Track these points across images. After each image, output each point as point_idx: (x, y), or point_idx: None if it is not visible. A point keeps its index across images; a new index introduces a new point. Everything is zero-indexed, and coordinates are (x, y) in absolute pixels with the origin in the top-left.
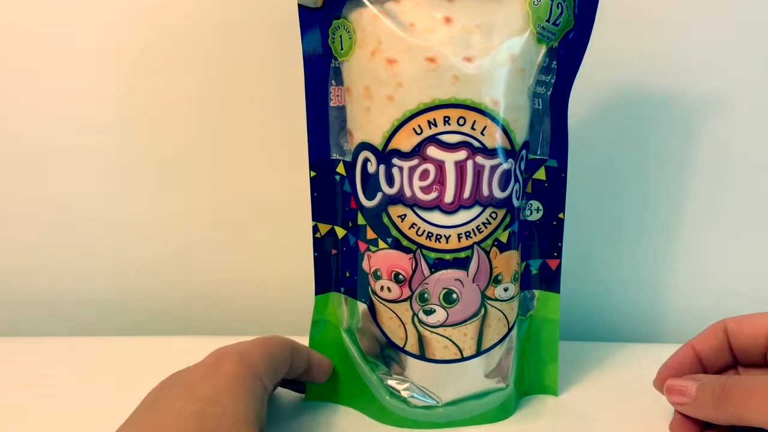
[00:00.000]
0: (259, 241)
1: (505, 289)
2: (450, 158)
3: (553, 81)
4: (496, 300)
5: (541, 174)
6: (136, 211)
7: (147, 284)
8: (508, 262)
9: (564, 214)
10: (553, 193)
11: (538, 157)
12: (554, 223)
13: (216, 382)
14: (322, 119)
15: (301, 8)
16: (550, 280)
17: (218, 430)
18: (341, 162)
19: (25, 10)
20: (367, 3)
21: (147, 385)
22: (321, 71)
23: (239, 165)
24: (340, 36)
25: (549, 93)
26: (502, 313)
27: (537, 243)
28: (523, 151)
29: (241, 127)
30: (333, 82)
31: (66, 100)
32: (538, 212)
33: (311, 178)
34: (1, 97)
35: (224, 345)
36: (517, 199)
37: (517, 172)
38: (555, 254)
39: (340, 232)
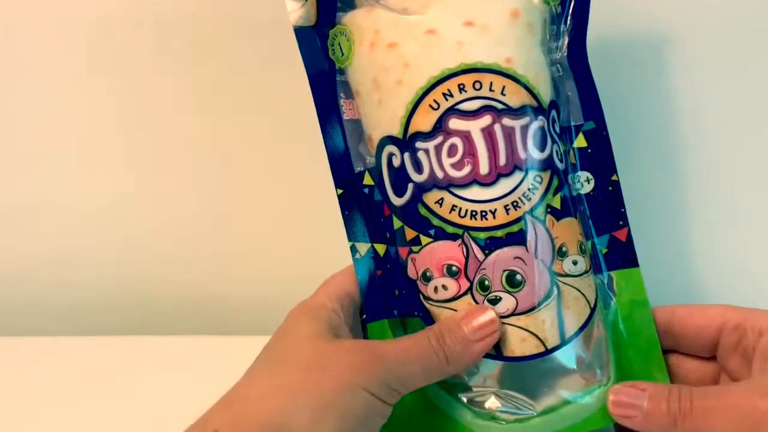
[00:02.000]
0: (260, 241)
1: (574, 263)
2: (475, 126)
3: (566, 42)
4: (568, 276)
5: (581, 141)
6: (136, 211)
7: (147, 284)
8: (570, 231)
9: (618, 176)
10: (599, 157)
11: (573, 125)
12: (610, 188)
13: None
14: (338, 134)
15: (297, 30)
16: (624, 254)
17: None
18: (366, 172)
19: (25, 10)
20: (359, 2)
21: (147, 385)
22: (328, 86)
23: (240, 165)
24: (339, 43)
25: (566, 55)
26: (578, 290)
27: (598, 217)
28: (553, 111)
29: (243, 128)
30: (342, 95)
31: (66, 100)
32: (588, 183)
33: (339, 196)
34: (2, 96)
35: (225, 345)
36: (560, 161)
37: (553, 132)
38: (621, 223)
39: (381, 248)
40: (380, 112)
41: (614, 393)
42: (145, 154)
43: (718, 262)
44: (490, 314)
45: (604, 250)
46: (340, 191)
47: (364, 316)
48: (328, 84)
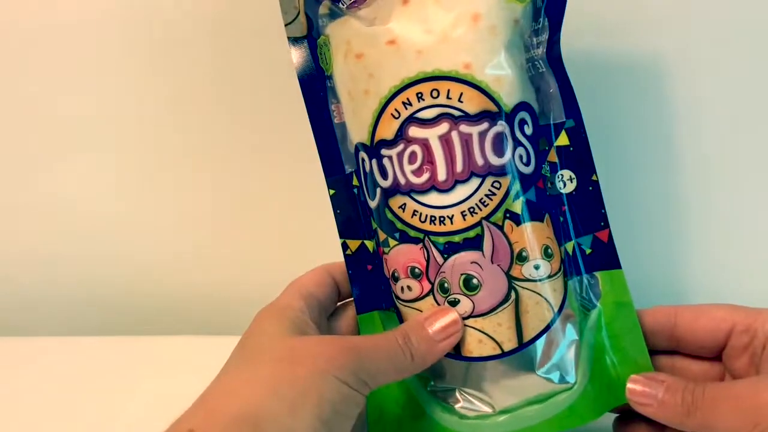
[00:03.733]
0: (261, 241)
1: (536, 267)
2: (432, 134)
3: (546, 38)
4: (527, 280)
5: (563, 139)
6: (136, 212)
7: (147, 284)
8: (533, 236)
9: (597, 176)
10: (579, 156)
11: (554, 123)
12: (590, 188)
13: None
14: (330, 137)
15: (291, 39)
16: (607, 256)
17: None
18: (353, 173)
19: (26, 10)
20: (339, 12)
21: (147, 385)
22: (319, 92)
23: (241, 166)
24: (324, 52)
25: (545, 51)
26: (540, 295)
27: (580, 217)
28: (522, 113)
29: (245, 128)
30: (333, 100)
31: (66, 99)
32: (571, 182)
33: (331, 197)
34: (2, 96)
35: (224, 345)
36: (525, 164)
37: (518, 135)
38: (602, 224)
39: (370, 245)
40: (354, 119)
41: (632, 381)
42: (145, 154)
43: (702, 263)
44: (452, 315)
45: (589, 251)
46: (332, 192)
47: (354, 311)
48: (319, 90)
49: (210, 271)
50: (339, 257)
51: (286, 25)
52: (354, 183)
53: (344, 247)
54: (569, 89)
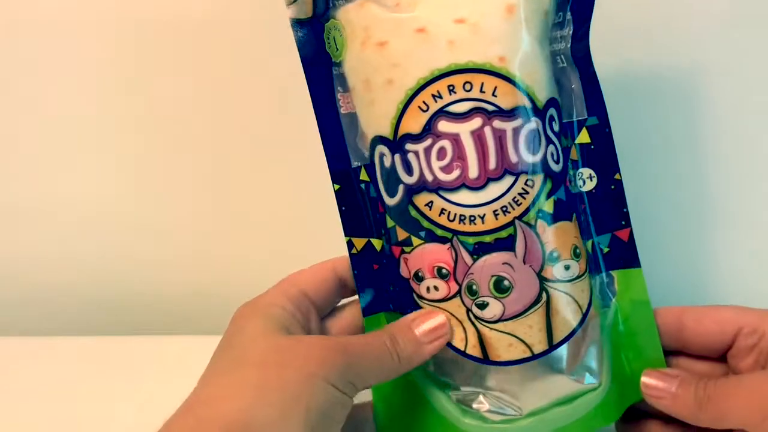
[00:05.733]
0: (261, 241)
1: (566, 267)
2: (464, 129)
3: (570, 32)
4: (558, 281)
5: (584, 137)
6: (136, 211)
7: (147, 284)
8: (563, 235)
9: (620, 175)
10: (602, 154)
11: (577, 120)
12: (612, 187)
13: None
14: (335, 128)
15: (294, 22)
16: (626, 254)
17: None
18: (363, 168)
19: (26, 10)
20: None
21: (147, 385)
22: (324, 80)
23: (242, 165)
24: (333, 37)
25: (569, 46)
26: (569, 296)
27: (600, 216)
28: (551, 109)
29: (246, 128)
30: (339, 89)
31: (66, 99)
32: (591, 180)
33: (336, 192)
34: (2, 96)
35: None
36: (555, 162)
37: (549, 132)
38: (623, 223)
39: (378, 243)
40: (372, 111)
41: (647, 375)
42: (145, 154)
43: (721, 264)
44: (440, 318)
45: (606, 249)
46: (337, 187)
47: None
48: (324, 76)
49: (210, 271)
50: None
51: (288, 5)
52: (362, 178)
53: (350, 245)
54: (595, 86)
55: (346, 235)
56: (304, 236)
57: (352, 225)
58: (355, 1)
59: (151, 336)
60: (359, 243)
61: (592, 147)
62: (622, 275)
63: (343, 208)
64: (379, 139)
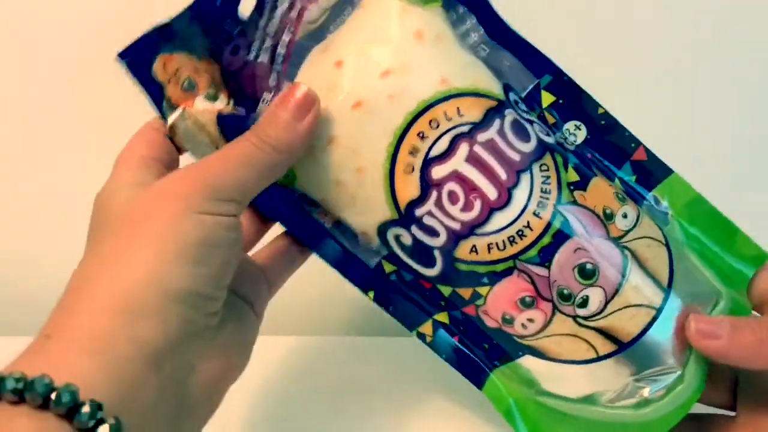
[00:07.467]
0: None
1: (624, 216)
2: (458, 161)
3: (473, 23)
4: (627, 233)
5: (547, 98)
6: None
7: None
8: (601, 192)
9: (603, 108)
10: (573, 101)
11: (532, 88)
12: (602, 122)
13: None
14: (332, 245)
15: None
16: (653, 169)
17: None
18: (383, 261)
19: (27, 9)
20: None
21: None
22: (295, 209)
23: None
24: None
25: (483, 33)
26: (646, 237)
27: (608, 153)
28: (510, 93)
29: None
30: (311, 207)
31: (67, 99)
32: (580, 129)
33: (374, 299)
34: (3, 96)
35: None
36: (547, 135)
37: (523, 114)
38: (633, 145)
39: (443, 317)
40: (358, 206)
41: (695, 320)
42: None
43: None
44: (302, 88)
45: (632, 178)
46: (371, 294)
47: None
48: (293, 205)
49: None
50: None
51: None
52: (388, 271)
53: (421, 336)
54: (528, 49)
55: (411, 330)
56: None
57: (409, 318)
58: None
59: None
60: (427, 329)
61: (561, 102)
62: (662, 189)
63: (390, 308)
64: (386, 225)
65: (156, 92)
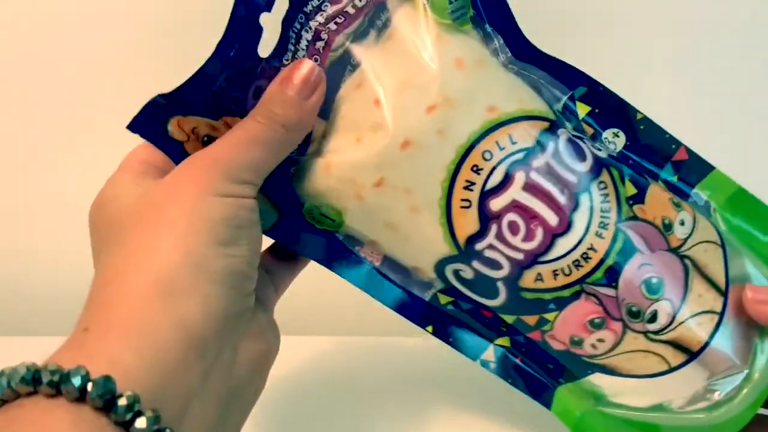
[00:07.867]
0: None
1: (682, 223)
2: (515, 191)
3: (502, 41)
4: (686, 241)
5: (582, 109)
6: None
7: None
8: (657, 201)
9: (642, 113)
10: (609, 109)
11: (567, 101)
12: (641, 127)
13: None
14: (384, 284)
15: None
16: (695, 167)
17: None
18: (438, 294)
19: (27, 9)
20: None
21: None
22: (339, 256)
23: None
24: (323, 213)
25: (509, 55)
26: (703, 242)
27: (650, 157)
28: (554, 107)
29: None
30: (357, 247)
31: (67, 99)
32: (618, 137)
33: (432, 333)
34: (3, 96)
35: None
36: (599, 150)
37: (573, 132)
38: (673, 146)
39: (504, 341)
40: (414, 245)
41: (752, 290)
42: None
43: None
44: (307, 63)
45: (674, 178)
46: (429, 329)
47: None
48: (340, 250)
49: None
50: None
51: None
52: (443, 302)
53: (485, 364)
54: (558, 63)
55: (474, 360)
56: None
57: (471, 348)
58: (315, 170)
59: None
60: (489, 355)
61: (597, 111)
62: (704, 185)
63: (450, 340)
64: (445, 261)
65: (176, 151)
